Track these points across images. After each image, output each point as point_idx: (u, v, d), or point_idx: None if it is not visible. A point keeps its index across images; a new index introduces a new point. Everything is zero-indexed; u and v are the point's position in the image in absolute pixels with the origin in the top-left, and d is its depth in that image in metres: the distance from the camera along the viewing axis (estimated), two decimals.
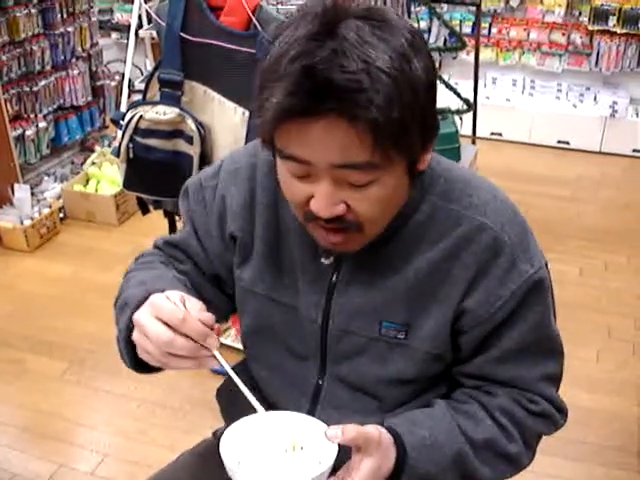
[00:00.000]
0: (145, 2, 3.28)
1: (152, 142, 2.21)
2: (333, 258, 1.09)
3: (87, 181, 4.22)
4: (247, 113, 2.12)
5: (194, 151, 2.18)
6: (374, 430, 0.95)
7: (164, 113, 2.18)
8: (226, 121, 2.16)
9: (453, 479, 1.06)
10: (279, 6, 2.47)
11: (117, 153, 2.26)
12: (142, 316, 0.93)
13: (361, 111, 0.82)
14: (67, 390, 2.81)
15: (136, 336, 0.95)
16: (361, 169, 0.88)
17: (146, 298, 0.96)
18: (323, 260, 1.09)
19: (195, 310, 0.94)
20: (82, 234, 4.03)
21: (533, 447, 1.14)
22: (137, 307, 0.96)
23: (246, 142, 2.09)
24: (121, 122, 2.22)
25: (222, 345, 0.97)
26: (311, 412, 1.16)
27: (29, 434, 2.60)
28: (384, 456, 0.96)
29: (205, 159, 2.18)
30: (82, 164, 4.41)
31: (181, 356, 0.92)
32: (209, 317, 0.95)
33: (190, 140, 2.19)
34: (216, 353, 0.94)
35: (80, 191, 4.13)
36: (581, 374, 2.79)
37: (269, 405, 1.19)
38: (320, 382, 1.16)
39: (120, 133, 2.25)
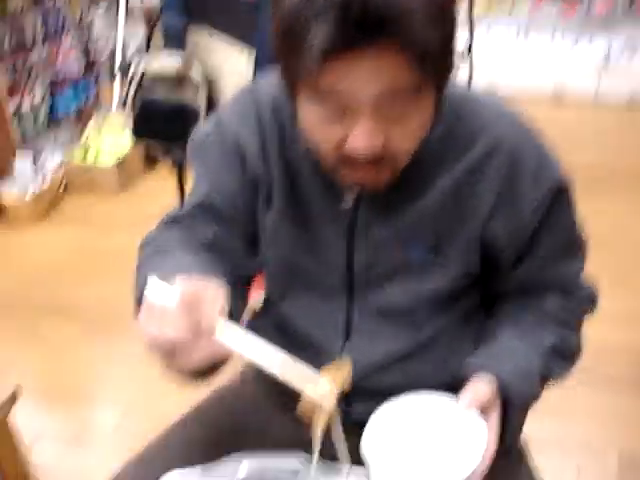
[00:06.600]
0: None
1: (158, 91, 2.20)
2: (352, 202, 1.07)
3: (87, 150, 4.21)
4: (253, 54, 2.09)
5: (201, 97, 2.17)
6: (486, 386, 1.00)
7: (169, 62, 2.16)
8: (233, 64, 2.14)
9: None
10: None
11: (124, 104, 2.25)
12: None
13: (413, 34, 0.79)
14: (84, 352, 2.82)
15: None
16: (405, 96, 0.85)
17: None
18: (343, 205, 1.07)
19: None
20: (84, 203, 4.03)
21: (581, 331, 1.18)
22: None
23: None
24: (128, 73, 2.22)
25: None
26: (344, 345, 1.15)
27: (50, 396, 2.61)
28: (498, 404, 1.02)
29: (212, 104, 2.17)
30: (81, 134, 4.40)
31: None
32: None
33: (196, 87, 2.18)
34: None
35: (80, 160, 4.13)
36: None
37: (300, 341, 1.18)
38: (350, 314, 1.15)
39: (126, 84, 2.23)
